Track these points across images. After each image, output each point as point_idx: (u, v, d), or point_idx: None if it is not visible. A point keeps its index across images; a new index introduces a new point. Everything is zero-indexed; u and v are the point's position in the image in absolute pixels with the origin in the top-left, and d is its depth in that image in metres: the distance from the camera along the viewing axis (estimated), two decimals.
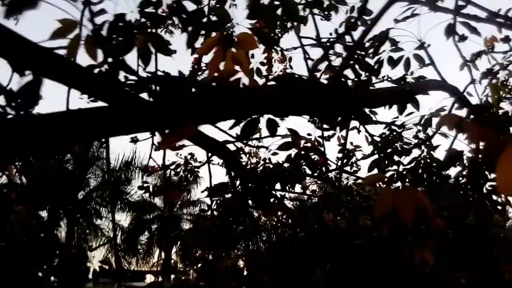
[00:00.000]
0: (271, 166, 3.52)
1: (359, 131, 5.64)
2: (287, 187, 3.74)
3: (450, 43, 3.92)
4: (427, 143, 3.96)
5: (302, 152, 2.86)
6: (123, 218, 18.33)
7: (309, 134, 5.43)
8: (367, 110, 3.33)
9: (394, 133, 3.85)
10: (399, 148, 4.32)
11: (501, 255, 6.22)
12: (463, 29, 3.43)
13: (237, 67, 2.17)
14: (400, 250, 5.43)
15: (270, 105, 1.95)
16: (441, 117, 2.01)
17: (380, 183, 2.62)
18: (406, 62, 3.40)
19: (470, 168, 2.19)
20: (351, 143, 6.07)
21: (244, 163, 4.87)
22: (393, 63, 3.37)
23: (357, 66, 2.07)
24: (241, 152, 4.96)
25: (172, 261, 19.68)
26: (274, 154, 5.76)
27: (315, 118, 2.67)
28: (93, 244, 16.51)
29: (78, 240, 15.88)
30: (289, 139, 3.16)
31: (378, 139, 4.47)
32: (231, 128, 2.95)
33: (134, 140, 5.69)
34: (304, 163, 3.12)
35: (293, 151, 2.99)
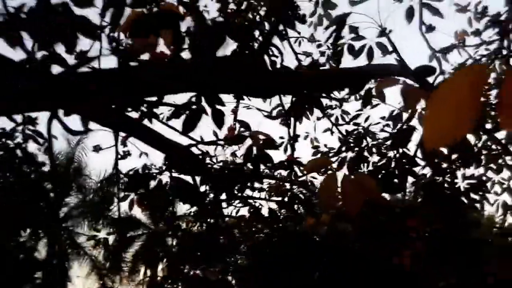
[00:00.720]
0: (230, 166, 3.27)
1: (332, 132, 5.46)
2: (247, 188, 3.50)
3: (418, 35, 3.75)
4: (399, 139, 3.76)
5: (255, 148, 2.62)
6: (106, 235, 17.79)
7: (281, 137, 5.22)
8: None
9: (361, 129, 3.66)
10: (371, 147, 4.14)
11: (486, 256, 6.02)
12: (428, 16, 3.25)
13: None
14: (378, 252, 5.21)
15: (199, 82, 1.72)
16: (379, 81, 1.80)
17: (323, 169, 2.38)
18: (369, 52, 3.20)
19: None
20: (325, 145, 5.88)
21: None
22: (355, 52, 3.17)
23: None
24: (207, 156, 4.72)
25: (159, 278, 19.11)
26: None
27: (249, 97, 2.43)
28: (75, 262, 15.98)
29: (59, 259, 15.36)
30: (245, 133, 2.94)
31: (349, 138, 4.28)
32: (169, 119, 2.72)
33: (97, 149, 5.44)
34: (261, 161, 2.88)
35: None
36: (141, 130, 3.18)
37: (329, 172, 1.65)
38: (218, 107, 2.56)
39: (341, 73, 2.21)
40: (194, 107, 2.38)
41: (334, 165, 3.51)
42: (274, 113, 3.09)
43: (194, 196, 2.06)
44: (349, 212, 1.54)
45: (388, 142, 3.56)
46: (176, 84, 1.73)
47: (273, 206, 5.65)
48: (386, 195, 3.69)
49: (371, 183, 1.61)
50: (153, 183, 2.19)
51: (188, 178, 3.62)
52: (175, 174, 2.21)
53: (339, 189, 1.64)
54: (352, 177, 1.59)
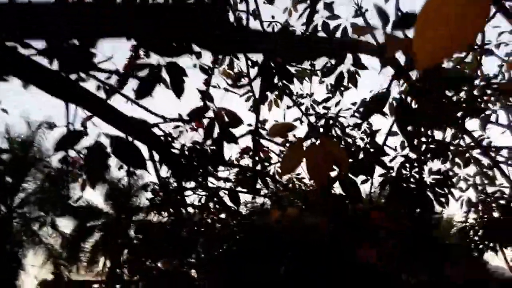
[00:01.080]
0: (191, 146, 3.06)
1: (301, 122, 5.34)
2: (209, 170, 3.31)
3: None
4: (368, 128, 3.67)
5: (217, 125, 2.42)
6: (65, 224, 17.22)
7: (249, 125, 5.04)
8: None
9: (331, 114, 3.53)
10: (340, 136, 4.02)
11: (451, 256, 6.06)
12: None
13: None
14: (346, 248, 5.14)
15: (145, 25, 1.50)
16: (355, 28, 1.66)
17: (288, 134, 2.22)
18: (343, 32, 3.06)
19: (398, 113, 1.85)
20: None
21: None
22: (329, 32, 3.02)
23: None
24: (171, 137, 4.50)
25: (118, 270, 18.64)
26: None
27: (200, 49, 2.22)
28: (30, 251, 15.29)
29: (12, 247, 14.66)
30: (211, 107, 2.73)
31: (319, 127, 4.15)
32: (121, 85, 2.48)
33: (51, 126, 5.10)
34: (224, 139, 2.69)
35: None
36: (102, 108, 2.93)
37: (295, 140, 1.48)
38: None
39: (316, 39, 2.05)
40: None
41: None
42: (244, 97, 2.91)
43: (138, 157, 1.84)
44: (316, 182, 1.38)
45: (360, 133, 3.45)
46: (116, 25, 1.51)
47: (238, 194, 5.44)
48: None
49: (339, 150, 1.46)
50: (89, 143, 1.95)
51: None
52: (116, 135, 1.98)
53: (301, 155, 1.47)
54: (318, 143, 1.43)
